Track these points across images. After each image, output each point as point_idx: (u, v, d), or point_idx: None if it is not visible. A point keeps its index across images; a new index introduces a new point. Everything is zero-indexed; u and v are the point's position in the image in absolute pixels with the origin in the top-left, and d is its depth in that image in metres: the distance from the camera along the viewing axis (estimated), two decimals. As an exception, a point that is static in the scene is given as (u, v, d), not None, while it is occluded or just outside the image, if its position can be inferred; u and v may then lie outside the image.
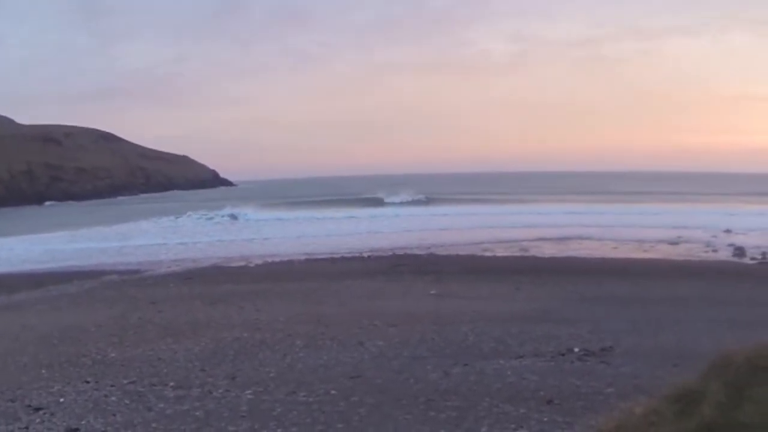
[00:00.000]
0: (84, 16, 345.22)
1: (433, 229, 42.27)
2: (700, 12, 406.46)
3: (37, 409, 9.42)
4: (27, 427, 8.77)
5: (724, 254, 28.83)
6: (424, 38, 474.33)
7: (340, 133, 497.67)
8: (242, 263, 28.52)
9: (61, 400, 9.86)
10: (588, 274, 22.45)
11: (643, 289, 19.28)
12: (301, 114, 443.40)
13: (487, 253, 29.93)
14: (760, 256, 27.27)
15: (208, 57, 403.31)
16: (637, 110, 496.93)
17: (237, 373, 11.07)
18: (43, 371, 11.55)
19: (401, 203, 68.84)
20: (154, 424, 8.72)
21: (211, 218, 53.52)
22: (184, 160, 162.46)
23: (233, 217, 53.66)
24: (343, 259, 28.80)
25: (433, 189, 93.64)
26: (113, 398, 9.88)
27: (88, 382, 10.76)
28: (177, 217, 53.60)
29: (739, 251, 28.84)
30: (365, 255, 29.88)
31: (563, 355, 11.79)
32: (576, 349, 12.06)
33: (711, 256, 28.70)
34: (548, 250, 30.75)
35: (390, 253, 30.12)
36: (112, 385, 10.53)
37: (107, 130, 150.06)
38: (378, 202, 69.52)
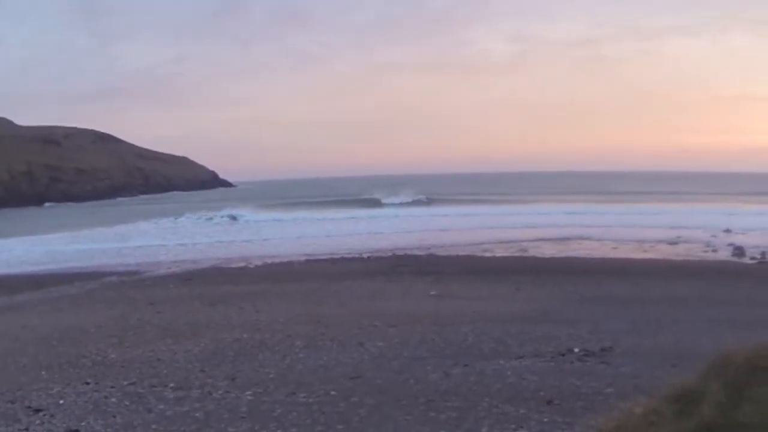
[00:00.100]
0: (83, 16, 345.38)
1: (433, 229, 42.26)
2: (700, 12, 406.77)
3: (37, 411, 9.42)
4: (27, 429, 8.76)
5: (724, 254, 28.82)
6: (424, 38, 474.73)
7: (340, 133, 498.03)
8: (242, 264, 28.51)
9: (61, 401, 9.86)
10: (588, 274, 22.45)
11: (642, 289, 19.28)
12: (301, 114, 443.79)
13: (487, 254, 29.93)
14: (759, 256, 27.26)
15: (208, 57, 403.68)
16: (636, 110, 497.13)
17: (237, 374, 11.07)
18: (43, 372, 11.55)
19: (400, 204, 68.74)
20: (154, 426, 8.72)
21: (210, 219, 53.49)
22: (183, 161, 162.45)
23: (233, 218, 53.61)
24: (343, 259, 28.80)
25: (433, 189, 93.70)
26: (113, 399, 9.88)
27: (87, 384, 10.76)
28: (176, 218, 53.53)
29: (739, 251, 28.83)
30: (365, 256, 29.87)
31: (563, 355, 11.80)
32: (576, 350, 12.07)
33: (710, 256, 28.70)
34: (548, 251, 30.76)
35: (390, 254, 30.12)
36: (112, 387, 10.53)
37: (106, 131, 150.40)
38: (377, 203, 69.43)
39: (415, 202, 71.45)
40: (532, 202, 70.20)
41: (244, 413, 9.07)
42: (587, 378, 10.25)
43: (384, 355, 12.15)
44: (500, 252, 30.59)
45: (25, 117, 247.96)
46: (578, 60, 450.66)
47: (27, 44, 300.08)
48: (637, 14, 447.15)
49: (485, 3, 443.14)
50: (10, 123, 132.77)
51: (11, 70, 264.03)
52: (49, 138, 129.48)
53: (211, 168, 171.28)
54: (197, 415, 9.07)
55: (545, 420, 8.44)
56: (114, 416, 9.13)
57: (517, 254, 29.90)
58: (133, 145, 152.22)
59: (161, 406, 9.49)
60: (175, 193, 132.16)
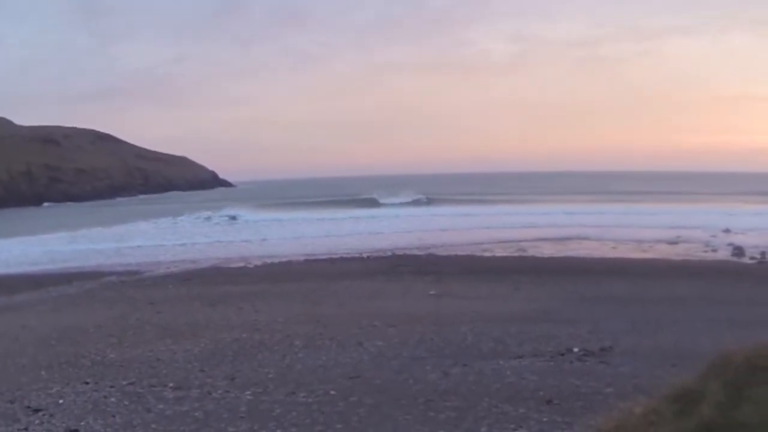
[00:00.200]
0: (83, 16, 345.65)
1: (432, 229, 42.24)
2: (699, 12, 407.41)
3: (37, 411, 9.42)
4: (26, 429, 8.76)
5: (724, 254, 28.82)
6: (424, 38, 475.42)
7: (340, 133, 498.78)
8: (241, 264, 28.49)
9: (61, 401, 9.86)
10: (587, 274, 22.45)
11: (642, 289, 19.28)
12: (301, 114, 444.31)
13: (487, 254, 29.92)
14: (759, 256, 27.25)
15: (208, 57, 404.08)
16: (636, 110, 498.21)
17: (236, 374, 11.07)
18: (43, 372, 11.55)
19: (400, 204, 68.67)
20: (153, 425, 8.72)
21: (209, 219, 53.48)
22: (182, 161, 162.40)
23: (232, 218, 53.58)
24: (343, 259, 28.80)
25: (432, 189, 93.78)
26: (112, 399, 9.88)
27: (87, 383, 10.76)
28: (176, 218, 53.53)
29: (738, 251, 28.83)
30: (364, 255, 29.87)
31: (562, 355, 11.80)
32: (575, 349, 12.07)
33: (710, 255, 28.68)
34: (547, 250, 30.75)
35: (389, 254, 30.13)
36: (111, 386, 10.53)
37: (106, 131, 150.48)
38: (376, 203, 69.38)
39: (414, 202, 71.44)
40: (531, 202, 70.20)
41: (243, 413, 9.07)
42: (587, 378, 10.25)
43: (383, 354, 12.15)
44: (500, 252, 30.58)
45: (25, 117, 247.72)
46: (578, 60, 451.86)
47: (27, 44, 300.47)
48: (636, 14, 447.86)
49: (485, 3, 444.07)
50: (9, 123, 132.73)
51: (11, 70, 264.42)
52: (49, 138, 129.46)
53: (210, 168, 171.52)
54: (197, 414, 9.06)
55: (545, 420, 8.44)
56: (113, 416, 9.13)
57: (517, 254, 29.87)
58: (132, 145, 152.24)
59: (160, 406, 9.49)
60: (174, 193, 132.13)
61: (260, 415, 8.93)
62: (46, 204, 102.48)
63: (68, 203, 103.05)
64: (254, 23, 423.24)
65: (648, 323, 14.33)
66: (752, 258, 27.11)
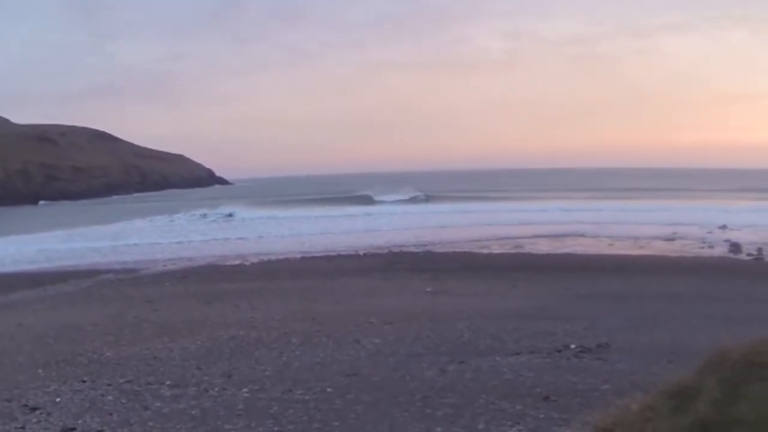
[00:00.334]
0: (80, 14, 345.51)
1: (429, 226, 42.24)
2: (696, 10, 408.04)
3: (34, 409, 9.41)
4: (24, 427, 8.75)
5: (720, 250, 28.85)
6: (421, 36, 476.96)
7: (338, 131, 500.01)
8: (238, 262, 28.51)
9: (58, 399, 9.85)
10: (584, 270, 22.48)
11: (638, 285, 19.31)
12: (298, 112, 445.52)
13: (484, 251, 29.96)
14: (755, 252, 27.26)
15: (205, 55, 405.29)
16: (633, 107, 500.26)
17: (233, 372, 11.07)
18: (40, 371, 11.54)
19: (394, 201, 68.54)
20: (150, 423, 8.71)
21: (205, 217, 53.37)
22: (179, 159, 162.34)
23: (228, 215, 53.52)
24: (339, 256, 28.80)
25: (429, 187, 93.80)
26: (110, 397, 9.87)
27: (84, 382, 10.75)
28: (172, 216, 53.43)
29: (735, 247, 28.86)
30: (361, 253, 29.89)
31: (559, 351, 11.81)
32: (572, 346, 12.08)
33: (707, 252, 28.71)
34: (544, 247, 30.77)
35: (386, 251, 30.13)
36: (108, 384, 10.53)
37: (103, 129, 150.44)
38: (372, 201, 69.30)
39: (411, 200, 71.34)
40: (528, 199, 70.17)
41: (240, 410, 9.07)
42: (584, 374, 10.26)
43: (380, 352, 12.16)
44: (497, 249, 30.63)
45: (22, 115, 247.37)
46: (575, 57, 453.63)
47: (24, 42, 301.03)
48: (634, 12, 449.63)
49: (482, 1, 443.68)
50: (6, 121, 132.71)
51: (8, 69, 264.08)
52: (45, 136, 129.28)
53: (208, 166, 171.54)
54: (194, 412, 9.06)
55: (542, 416, 8.44)
56: (110, 414, 9.13)
57: (514, 251, 29.91)
58: (129, 143, 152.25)
59: (158, 404, 9.48)
60: (171, 190, 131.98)
61: (257, 413, 8.93)
62: (41, 202, 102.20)
63: (64, 201, 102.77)
64: (252, 22, 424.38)
65: (644, 320, 14.35)
66: (749, 254, 27.12)
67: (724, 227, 36.74)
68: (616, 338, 12.57)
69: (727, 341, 3.95)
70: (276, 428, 8.38)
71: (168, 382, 10.55)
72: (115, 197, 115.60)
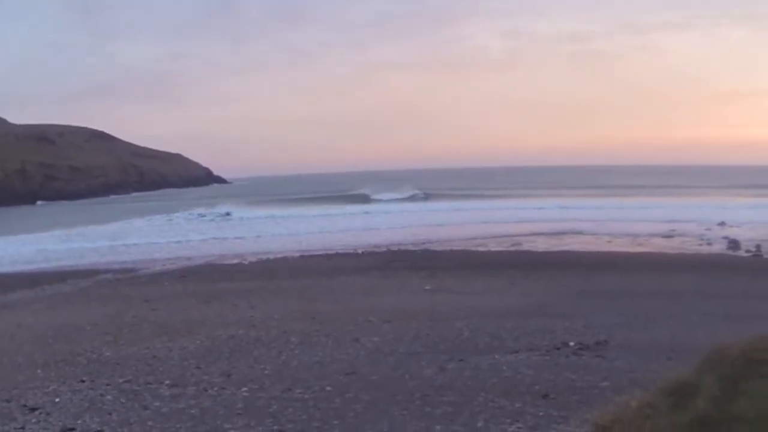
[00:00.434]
0: (78, 14, 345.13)
1: (427, 224, 42.29)
2: (694, 7, 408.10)
3: (33, 409, 9.41)
4: (23, 427, 8.75)
5: (719, 247, 28.89)
6: (420, 35, 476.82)
7: (337, 130, 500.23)
8: (236, 261, 28.48)
9: (57, 399, 9.85)
10: (582, 268, 22.45)
11: (637, 282, 19.31)
12: (297, 111, 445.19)
13: (482, 248, 29.98)
14: (754, 249, 27.27)
15: (204, 55, 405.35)
16: (631, 105, 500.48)
17: (232, 371, 11.07)
18: (39, 371, 11.54)
19: (396, 200, 68.49)
20: (150, 423, 8.71)
21: (203, 216, 53.30)
22: (177, 159, 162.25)
23: (227, 214, 53.46)
24: (338, 255, 28.78)
25: (428, 185, 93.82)
26: (109, 397, 9.87)
27: (83, 381, 10.75)
28: (170, 215, 53.39)
29: (734, 244, 28.90)
30: (359, 251, 29.88)
31: (558, 349, 11.81)
32: (571, 343, 12.08)
33: (705, 249, 28.74)
34: (542, 245, 30.80)
35: (384, 249, 30.12)
36: (107, 384, 10.52)
37: (101, 129, 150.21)
38: (373, 200, 69.23)
39: (410, 198, 71.27)
40: (526, 196, 70.27)
41: (239, 410, 9.07)
42: (583, 372, 10.26)
43: (379, 350, 12.16)
44: (495, 246, 30.64)
45: (20, 115, 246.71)
46: (573, 55, 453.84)
47: (22, 42, 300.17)
48: (631, 10, 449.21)
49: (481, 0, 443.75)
50: (4, 121, 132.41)
51: (5, 68, 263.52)
52: (43, 136, 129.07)
53: (206, 165, 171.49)
54: (193, 411, 9.06)
55: (541, 414, 8.45)
56: (110, 414, 9.13)
57: (512, 249, 29.88)
58: (127, 143, 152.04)
59: (157, 403, 9.48)
60: (168, 190, 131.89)
61: (257, 412, 8.93)
62: (39, 202, 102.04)
63: (62, 201, 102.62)
64: (251, 21, 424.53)
65: (643, 317, 14.36)
66: (747, 251, 27.14)
67: (722, 224, 36.82)
68: (614, 335, 12.58)
69: (726, 338, 3.96)
70: (275, 427, 8.38)
71: (167, 382, 10.55)
72: (113, 197, 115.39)
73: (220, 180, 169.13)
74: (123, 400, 9.69)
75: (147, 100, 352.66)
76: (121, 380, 10.74)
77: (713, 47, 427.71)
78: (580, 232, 35.42)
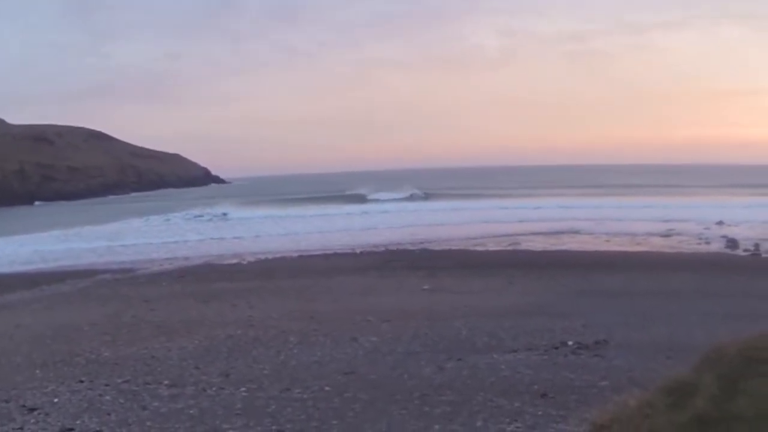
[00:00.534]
0: (76, 13, 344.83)
1: (425, 224, 42.30)
2: (691, 6, 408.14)
3: (32, 410, 9.40)
4: (22, 428, 8.74)
5: (717, 246, 28.89)
6: (416, 34, 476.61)
7: (335, 129, 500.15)
8: (234, 261, 28.46)
9: (56, 399, 9.84)
10: (580, 267, 22.45)
11: (635, 282, 19.31)
12: (295, 111, 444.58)
13: (480, 248, 29.97)
14: (752, 248, 27.27)
15: (201, 54, 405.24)
16: (628, 104, 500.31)
17: (231, 371, 11.07)
18: (38, 371, 11.53)
19: (393, 200, 68.39)
20: (148, 423, 8.71)
21: (201, 216, 53.23)
22: (176, 159, 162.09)
23: (225, 214, 53.39)
24: (336, 255, 28.77)
25: (426, 184, 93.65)
26: (108, 397, 9.87)
27: (82, 382, 10.74)
28: (168, 216, 53.32)
29: (732, 243, 28.89)
30: (358, 251, 29.87)
31: (557, 348, 11.82)
32: (570, 343, 12.09)
33: (703, 248, 28.74)
34: (541, 244, 30.78)
35: (383, 249, 30.12)
36: (106, 384, 10.52)
37: (99, 129, 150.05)
38: (369, 200, 69.13)
39: (409, 198, 71.11)
40: (524, 196, 70.27)
41: (238, 410, 9.07)
42: (581, 371, 10.27)
43: (378, 350, 12.16)
44: (493, 246, 30.62)
45: (18, 116, 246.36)
46: (569, 54, 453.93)
47: (19, 42, 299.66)
48: (628, 8, 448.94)
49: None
50: (2, 122, 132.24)
51: (3, 69, 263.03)
52: (41, 136, 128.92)
53: (204, 165, 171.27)
54: (192, 411, 9.06)
55: (539, 413, 8.45)
56: (108, 414, 9.12)
57: (510, 248, 29.87)
58: (125, 143, 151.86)
59: (156, 404, 9.48)
60: (166, 190, 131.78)
61: (255, 412, 8.93)
62: (37, 203, 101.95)
63: (60, 202, 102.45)
64: (248, 21, 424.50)
65: (642, 316, 14.37)
66: (746, 250, 27.14)
67: (720, 223, 36.81)
68: (613, 335, 12.58)
69: (724, 337, 3.95)
70: (274, 427, 8.38)
71: (166, 382, 10.55)
72: (111, 197, 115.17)
73: (218, 180, 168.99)
74: (122, 401, 9.69)
75: (145, 100, 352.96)
76: (119, 380, 10.73)
77: (711, 46, 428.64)
78: (578, 232, 35.43)
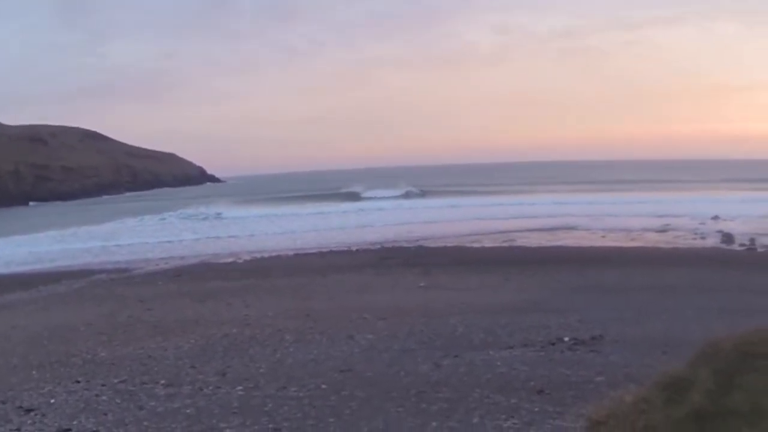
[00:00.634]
0: (70, 13, 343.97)
1: (420, 221, 42.31)
2: (686, 2, 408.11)
3: (29, 411, 9.39)
4: (19, 429, 8.73)
5: (713, 241, 28.93)
6: (412, 33, 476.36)
7: (329, 128, 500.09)
8: (230, 260, 28.45)
9: (52, 400, 9.83)
10: (576, 263, 22.47)
11: (631, 277, 19.33)
12: (290, 110, 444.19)
13: (476, 245, 29.94)
14: (748, 243, 27.33)
15: (196, 53, 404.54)
16: (623, 100, 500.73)
17: (227, 370, 11.06)
18: (34, 372, 11.51)
19: (387, 198, 68.30)
20: (145, 423, 8.70)
21: (196, 215, 53.12)
22: (170, 158, 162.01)
23: (219, 213, 53.30)
24: (332, 253, 28.75)
25: (421, 181, 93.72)
26: (104, 397, 9.85)
27: (78, 382, 10.73)
28: (163, 215, 53.19)
29: (728, 238, 28.92)
30: (353, 249, 29.85)
31: (553, 344, 11.83)
32: (566, 339, 12.10)
33: (699, 243, 28.79)
34: (536, 241, 30.78)
35: (378, 246, 30.11)
36: (102, 385, 10.50)
37: (94, 129, 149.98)
38: (363, 198, 69.07)
39: (404, 195, 71.07)
40: (519, 192, 70.19)
41: (235, 408, 9.06)
42: (577, 367, 10.28)
43: (374, 347, 12.16)
44: (489, 243, 30.61)
45: (13, 116, 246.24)
46: (564, 51, 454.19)
47: (13, 42, 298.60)
48: (623, 5, 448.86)
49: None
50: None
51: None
52: (36, 137, 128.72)
53: (199, 164, 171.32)
54: (188, 411, 9.05)
55: (536, 409, 8.46)
56: (105, 414, 9.11)
57: (506, 245, 29.88)
58: (120, 143, 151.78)
59: (152, 403, 9.47)
60: (161, 189, 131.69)
61: (252, 410, 8.93)
62: (32, 203, 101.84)
63: (55, 202, 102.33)
64: (243, 19, 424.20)
65: (637, 311, 14.37)
66: (741, 245, 27.19)
67: (716, 218, 36.89)
68: (609, 330, 12.59)
69: (720, 332, 3.95)
70: (271, 425, 8.38)
71: (162, 382, 10.54)
72: (106, 197, 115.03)
73: (213, 179, 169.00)
74: (118, 401, 9.68)
75: (140, 99, 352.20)
76: (116, 380, 10.72)
77: (706, 42, 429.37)
78: (574, 228, 35.47)
